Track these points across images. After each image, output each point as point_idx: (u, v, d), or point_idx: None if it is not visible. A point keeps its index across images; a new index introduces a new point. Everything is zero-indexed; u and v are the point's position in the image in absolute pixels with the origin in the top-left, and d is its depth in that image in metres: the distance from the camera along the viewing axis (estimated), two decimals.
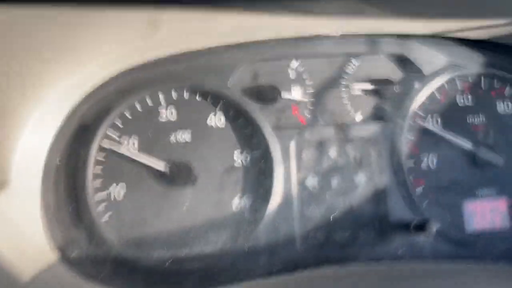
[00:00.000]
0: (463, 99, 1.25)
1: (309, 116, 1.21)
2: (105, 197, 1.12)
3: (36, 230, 1.06)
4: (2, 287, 0.94)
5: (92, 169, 1.11)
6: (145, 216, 1.12)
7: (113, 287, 1.05)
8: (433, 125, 1.22)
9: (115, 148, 1.13)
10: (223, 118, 1.18)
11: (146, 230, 1.12)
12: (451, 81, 1.24)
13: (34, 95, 1.03)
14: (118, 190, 1.13)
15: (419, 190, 1.19)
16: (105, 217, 1.11)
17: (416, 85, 1.22)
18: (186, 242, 1.11)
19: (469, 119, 1.24)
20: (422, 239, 1.14)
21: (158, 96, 1.17)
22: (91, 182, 1.11)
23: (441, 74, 1.23)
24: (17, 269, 0.95)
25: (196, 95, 1.18)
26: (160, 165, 1.13)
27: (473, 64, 1.25)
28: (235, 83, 1.18)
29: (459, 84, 1.25)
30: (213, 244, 1.12)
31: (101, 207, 1.11)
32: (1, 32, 1.01)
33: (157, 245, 1.11)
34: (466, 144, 1.21)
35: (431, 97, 1.23)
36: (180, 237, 1.12)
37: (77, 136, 1.13)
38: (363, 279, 1.02)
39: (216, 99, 1.18)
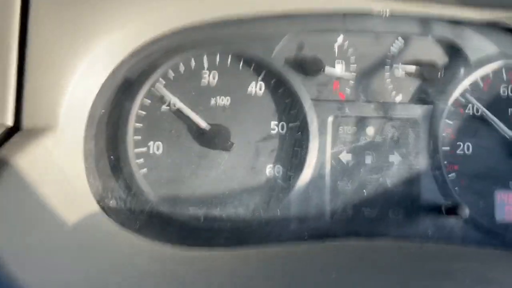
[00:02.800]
0: (507, 90, 1.24)
1: (349, 92, 1.21)
2: (144, 152, 1.15)
3: (79, 177, 1.10)
4: (44, 228, 0.98)
5: (133, 123, 1.15)
6: (182, 173, 1.15)
7: (147, 237, 1.09)
8: (474, 112, 1.22)
9: (158, 104, 1.16)
10: (264, 87, 1.20)
11: (182, 187, 1.15)
12: (497, 71, 1.23)
13: (84, 45, 1.06)
14: (156, 146, 1.16)
15: (452, 175, 1.19)
16: (143, 171, 1.15)
17: (462, 71, 1.21)
18: (220, 202, 1.15)
19: (510, 111, 1.23)
20: (451, 223, 1.15)
21: (202, 59, 1.18)
22: (132, 136, 1.14)
23: (489, 63, 1.21)
24: (59, 212, 0.99)
25: (239, 62, 1.19)
26: (202, 123, 1.15)
27: None
28: (279, 52, 1.19)
29: (505, 75, 1.24)
30: (246, 206, 1.15)
31: (139, 161, 1.15)
32: None
33: (192, 202, 1.14)
34: (508, 132, 1.20)
35: (474, 84, 1.22)
36: (214, 197, 1.15)
37: (122, 90, 1.16)
38: (389, 255, 1.04)
39: (259, 68, 1.19)
